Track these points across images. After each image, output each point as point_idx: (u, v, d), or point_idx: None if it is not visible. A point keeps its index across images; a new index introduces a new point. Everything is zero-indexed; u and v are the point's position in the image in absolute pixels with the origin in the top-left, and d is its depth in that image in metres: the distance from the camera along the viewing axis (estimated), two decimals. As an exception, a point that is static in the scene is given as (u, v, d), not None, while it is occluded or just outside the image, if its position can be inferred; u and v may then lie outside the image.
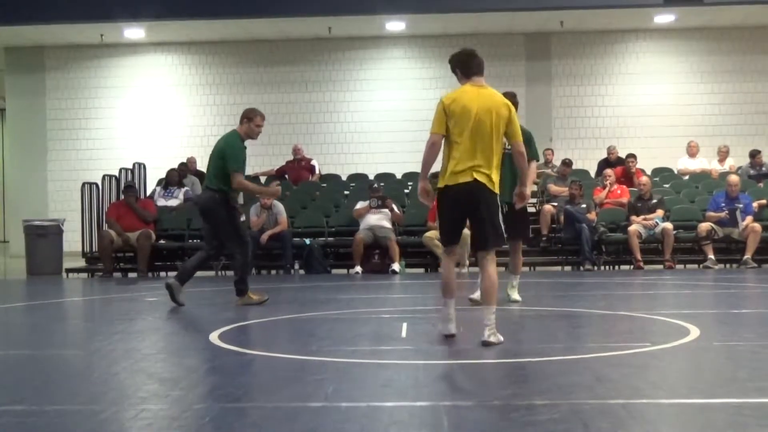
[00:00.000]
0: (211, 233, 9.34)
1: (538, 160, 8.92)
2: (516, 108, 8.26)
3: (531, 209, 17.52)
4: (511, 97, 8.10)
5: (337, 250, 15.59)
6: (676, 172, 18.40)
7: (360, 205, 15.10)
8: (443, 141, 6.29)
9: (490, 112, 6.23)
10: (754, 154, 17.58)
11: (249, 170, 19.27)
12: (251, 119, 9.29)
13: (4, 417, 4.21)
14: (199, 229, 14.76)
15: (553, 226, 15.47)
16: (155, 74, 21.73)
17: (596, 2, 19.14)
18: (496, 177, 6.25)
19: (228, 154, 9.15)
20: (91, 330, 8.29)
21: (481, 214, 6.23)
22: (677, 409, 4.31)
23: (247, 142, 9.52)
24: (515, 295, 9.00)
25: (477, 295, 8.26)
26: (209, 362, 6.05)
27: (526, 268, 15.09)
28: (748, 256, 14.51)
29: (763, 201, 15.53)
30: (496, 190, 6.28)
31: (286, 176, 18.10)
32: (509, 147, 8.25)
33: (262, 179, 18.34)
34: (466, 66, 6.47)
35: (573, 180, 15.86)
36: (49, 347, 6.79)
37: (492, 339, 6.06)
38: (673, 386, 4.93)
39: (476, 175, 6.14)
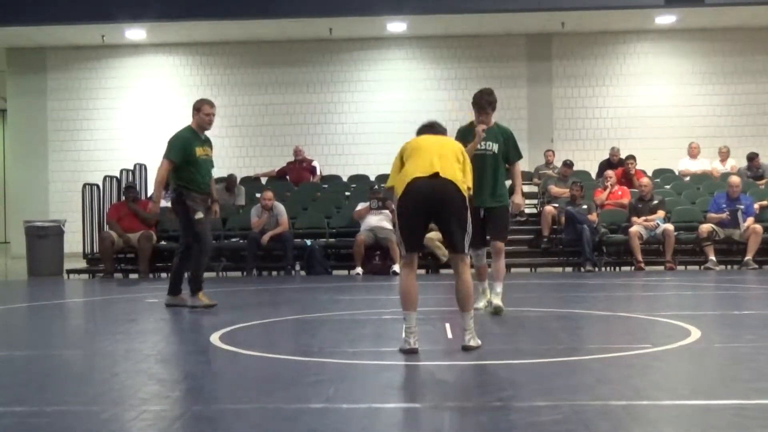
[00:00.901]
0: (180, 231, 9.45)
1: (518, 160, 8.39)
2: (494, 107, 8.27)
3: (531, 210, 17.60)
4: (487, 94, 8.22)
5: (338, 251, 15.59)
6: (677, 173, 18.41)
7: (360, 206, 15.11)
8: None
9: (444, 139, 6.38)
10: (752, 158, 17.60)
11: (250, 171, 19.43)
12: (199, 109, 9.22)
13: (5, 417, 4.21)
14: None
15: (554, 227, 15.47)
16: (156, 75, 21.74)
17: (597, 3, 19.13)
18: (460, 176, 6.05)
19: (168, 144, 9.14)
20: (92, 331, 8.30)
21: (447, 213, 6.00)
22: (678, 410, 4.31)
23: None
24: (497, 302, 8.12)
25: (481, 304, 8.14)
26: (210, 363, 6.05)
27: (527, 270, 15.12)
28: (749, 257, 14.50)
29: (764, 202, 15.53)
30: (464, 189, 6.02)
31: (287, 177, 18.11)
32: (486, 148, 8.17)
33: (263, 180, 18.38)
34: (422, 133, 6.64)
35: (574, 181, 15.85)
36: (50, 348, 6.79)
37: (472, 343, 6.01)
38: (674, 387, 4.93)
39: (441, 172, 5.95)
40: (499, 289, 8.20)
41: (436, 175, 5.96)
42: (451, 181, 5.98)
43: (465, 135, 8.14)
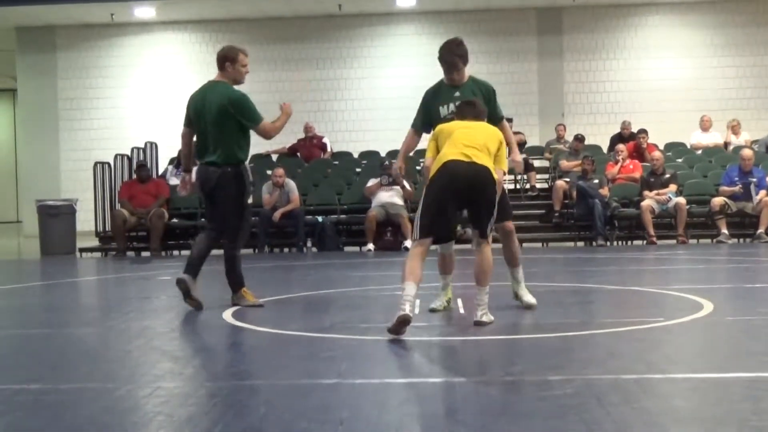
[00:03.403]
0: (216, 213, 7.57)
1: (502, 119, 6.79)
2: (465, 61, 6.82)
3: (542, 185, 17.55)
4: (456, 45, 6.82)
5: (350, 228, 15.61)
6: (689, 146, 18.31)
7: (371, 182, 15.10)
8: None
9: (475, 131, 6.13)
10: None
11: (260, 148, 19.39)
12: (235, 59, 7.42)
13: (20, 395, 4.25)
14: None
15: (566, 201, 15.44)
16: (166, 53, 21.72)
17: (608, -25, 19.02)
18: (491, 164, 5.99)
19: (243, 108, 7.53)
20: (105, 309, 8.34)
21: (480, 199, 5.97)
22: (690, 383, 4.31)
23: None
24: (528, 297, 6.91)
25: (438, 303, 6.82)
26: (223, 340, 6.08)
27: (538, 244, 15.10)
28: (761, 230, 14.43)
29: (778, 175, 15.46)
30: (495, 177, 5.97)
31: (298, 154, 18.11)
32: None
33: (274, 158, 18.35)
34: (460, 114, 6.41)
35: (585, 155, 15.80)
36: (63, 326, 6.83)
37: (484, 319, 6.01)
38: (686, 361, 4.93)
39: (475, 159, 5.91)
40: (519, 274, 6.95)
41: (472, 161, 5.91)
42: (486, 167, 5.94)
43: (432, 97, 7.06)
